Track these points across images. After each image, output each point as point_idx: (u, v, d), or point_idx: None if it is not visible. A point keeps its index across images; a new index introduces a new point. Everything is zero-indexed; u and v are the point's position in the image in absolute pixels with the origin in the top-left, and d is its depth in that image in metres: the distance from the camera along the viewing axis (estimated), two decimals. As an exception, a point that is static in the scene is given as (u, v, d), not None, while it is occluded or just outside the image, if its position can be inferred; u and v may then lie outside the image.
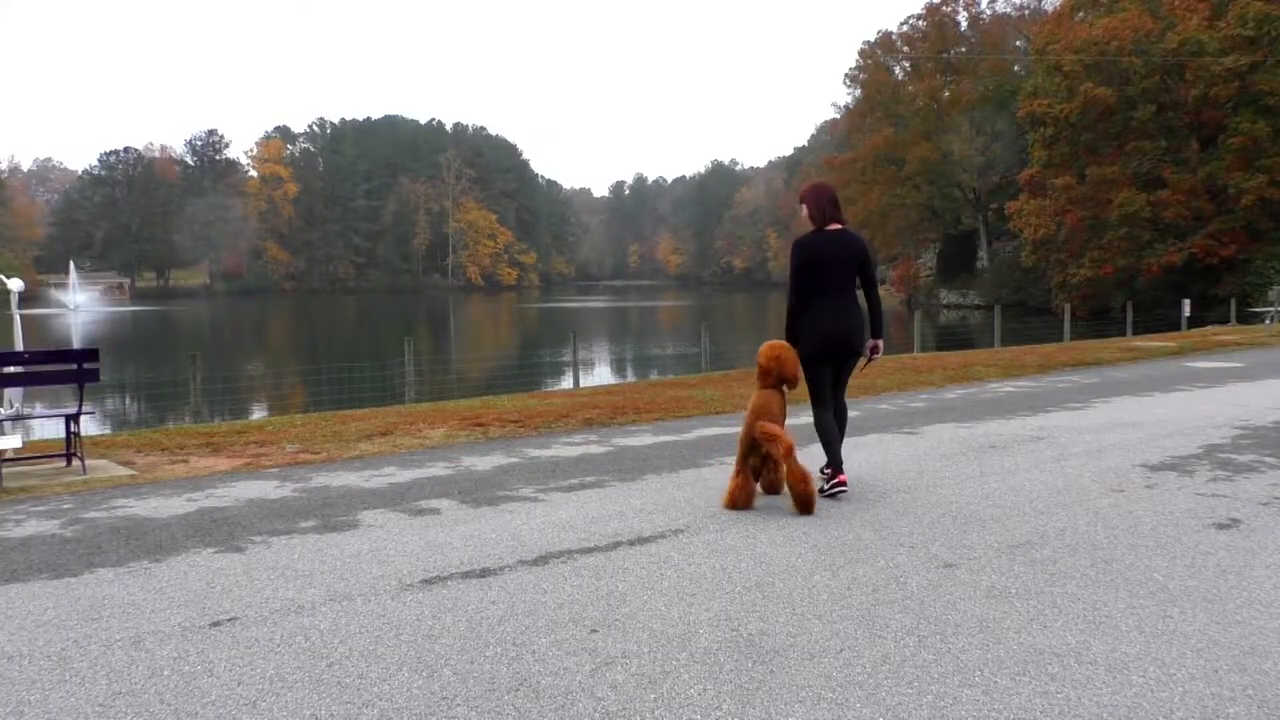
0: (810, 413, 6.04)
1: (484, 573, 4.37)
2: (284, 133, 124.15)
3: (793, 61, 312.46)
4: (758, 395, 5.61)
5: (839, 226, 5.84)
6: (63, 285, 78.78)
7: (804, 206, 5.90)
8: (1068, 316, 23.61)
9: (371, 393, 14.57)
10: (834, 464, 5.79)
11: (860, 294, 5.96)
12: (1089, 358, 15.55)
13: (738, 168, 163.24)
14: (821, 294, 5.75)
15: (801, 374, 5.75)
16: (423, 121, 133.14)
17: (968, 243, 63.67)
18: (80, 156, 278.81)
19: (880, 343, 6.11)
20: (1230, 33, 36.32)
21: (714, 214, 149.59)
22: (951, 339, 27.63)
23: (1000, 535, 4.91)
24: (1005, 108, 53.49)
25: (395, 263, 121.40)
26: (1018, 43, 60.41)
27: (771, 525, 5.16)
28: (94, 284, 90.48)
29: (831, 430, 5.83)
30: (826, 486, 5.75)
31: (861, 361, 6.03)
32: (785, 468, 5.43)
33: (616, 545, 4.81)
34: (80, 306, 66.95)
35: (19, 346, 8.11)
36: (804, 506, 5.37)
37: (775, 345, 5.75)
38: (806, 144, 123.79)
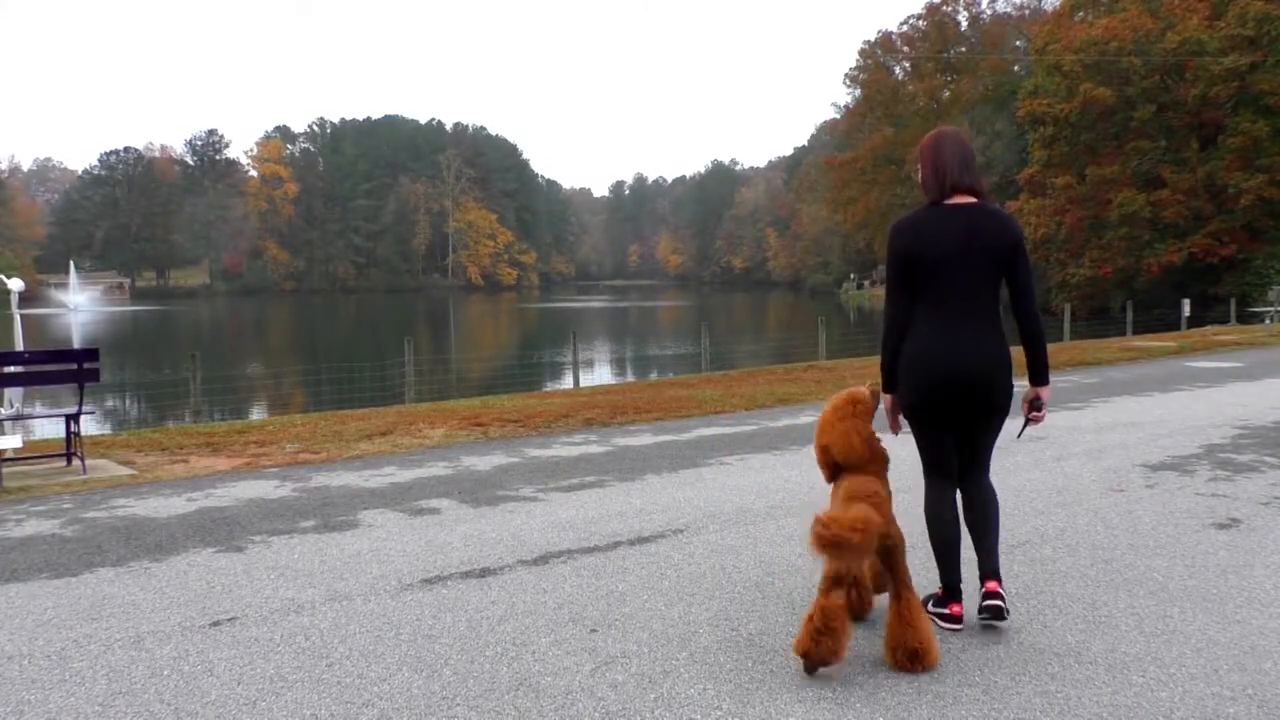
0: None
1: (484, 573, 4.37)
2: (284, 133, 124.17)
3: (793, 61, 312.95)
4: (849, 480, 3.48)
5: (971, 200, 3.55)
6: (63, 285, 78.79)
7: (918, 168, 3.68)
8: (1067, 316, 23.58)
9: (371, 393, 14.57)
10: (948, 585, 3.66)
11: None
12: (1089, 358, 15.55)
13: (738, 168, 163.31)
14: (936, 308, 3.53)
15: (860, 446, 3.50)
16: (423, 121, 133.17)
17: (968, 243, 63.58)
18: (80, 156, 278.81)
19: (1044, 391, 3.66)
20: (1230, 33, 36.32)
21: (714, 214, 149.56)
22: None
23: (1000, 535, 4.90)
24: (1005, 108, 53.51)
25: (395, 263, 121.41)
26: (1018, 43, 60.42)
27: (771, 525, 5.16)
28: (94, 284, 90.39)
29: (950, 523, 3.68)
30: (932, 609, 3.69)
31: (1018, 421, 3.79)
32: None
33: (616, 545, 4.81)
34: (80, 306, 67.00)
35: (19, 346, 8.11)
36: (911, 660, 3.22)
37: (831, 410, 3.61)
38: (806, 144, 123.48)
